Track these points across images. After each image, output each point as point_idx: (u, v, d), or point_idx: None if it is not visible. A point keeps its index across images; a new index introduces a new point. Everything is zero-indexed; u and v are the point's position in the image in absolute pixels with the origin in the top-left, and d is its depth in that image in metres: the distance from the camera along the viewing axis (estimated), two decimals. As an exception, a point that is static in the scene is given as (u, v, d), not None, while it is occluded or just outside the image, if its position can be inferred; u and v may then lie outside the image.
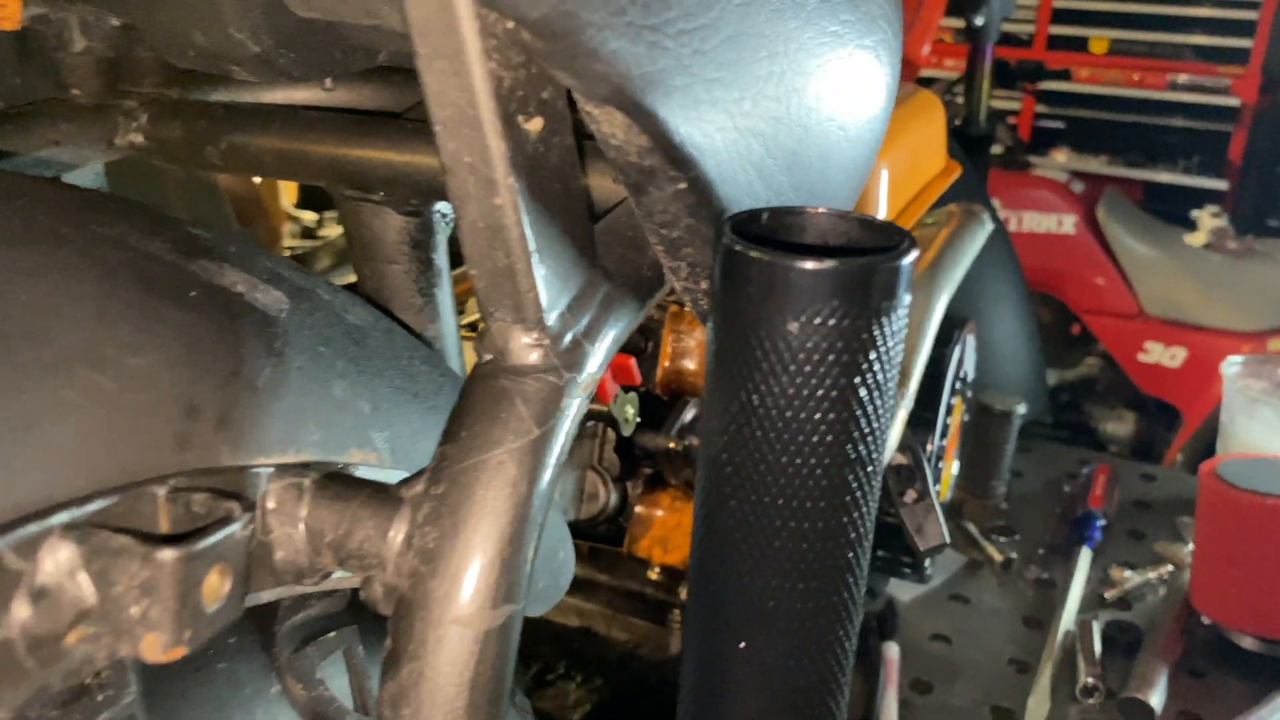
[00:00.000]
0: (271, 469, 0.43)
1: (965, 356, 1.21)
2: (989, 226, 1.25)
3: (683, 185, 0.41)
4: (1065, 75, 3.76)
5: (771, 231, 0.39)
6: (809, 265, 0.35)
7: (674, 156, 0.40)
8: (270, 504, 0.43)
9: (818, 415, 0.37)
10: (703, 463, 0.40)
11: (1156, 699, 1.23)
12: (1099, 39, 3.90)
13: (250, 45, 0.49)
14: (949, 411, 1.15)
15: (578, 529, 1.11)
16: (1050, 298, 3.22)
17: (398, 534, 0.43)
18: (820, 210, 0.39)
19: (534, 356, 0.44)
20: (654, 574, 1.09)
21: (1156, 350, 3.12)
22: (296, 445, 0.44)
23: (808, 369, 0.36)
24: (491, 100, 0.39)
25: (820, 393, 0.37)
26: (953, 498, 1.50)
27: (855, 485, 0.39)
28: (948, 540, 1.03)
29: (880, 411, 0.38)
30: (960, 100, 3.30)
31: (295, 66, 0.51)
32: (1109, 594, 1.43)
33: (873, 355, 0.37)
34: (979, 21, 1.88)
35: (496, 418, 0.44)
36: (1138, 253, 3.12)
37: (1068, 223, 3.18)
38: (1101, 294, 3.16)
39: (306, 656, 0.57)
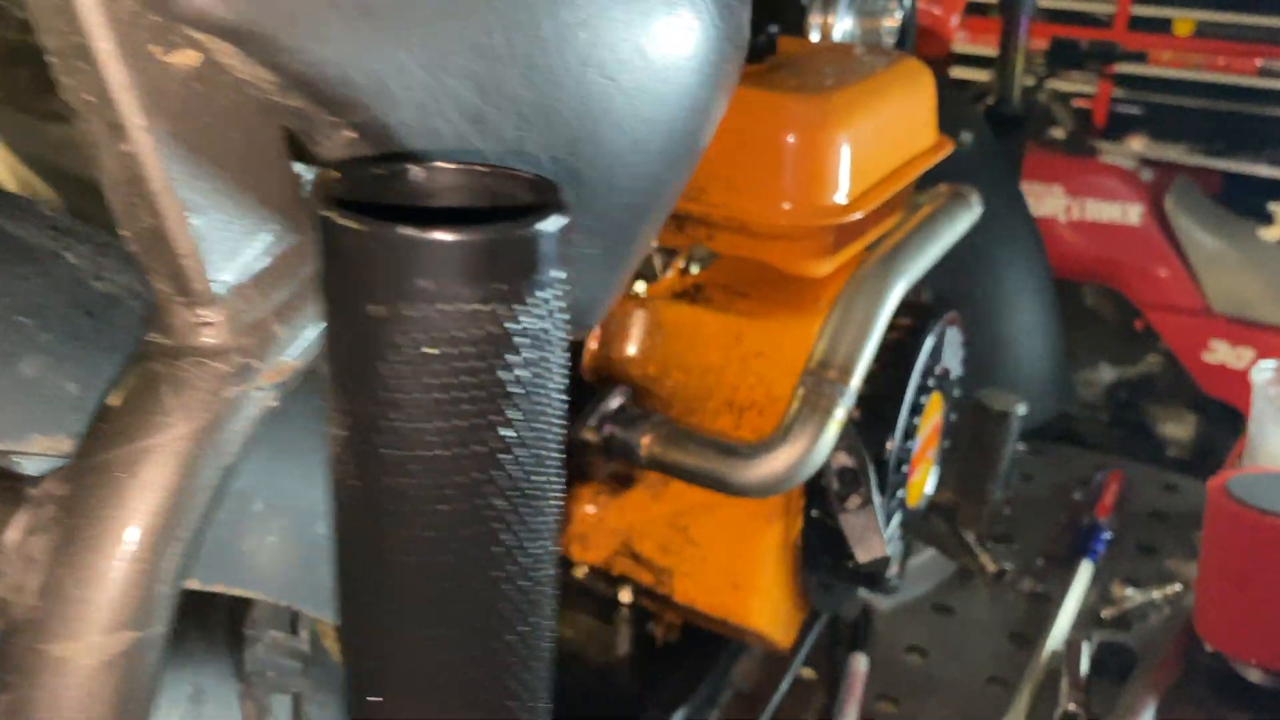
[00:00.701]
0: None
1: (944, 350, 1.11)
2: (975, 211, 1.14)
3: (351, 134, 0.34)
4: (1141, 58, 3.57)
5: (387, 188, 0.31)
6: (410, 234, 0.27)
7: (322, 97, 0.33)
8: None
9: (445, 424, 0.29)
10: (332, 485, 0.33)
11: (1141, 731, 1.13)
12: (1184, 20, 3.70)
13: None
14: (916, 411, 1.05)
15: None
16: (1111, 290, 3.07)
17: (14, 537, 0.37)
18: (454, 164, 0.31)
19: (200, 336, 0.37)
20: (580, 573, 1.02)
21: (1222, 349, 2.97)
22: None
23: (434, 367, 0.29)
24: (106, 27, 0.32)
25: (447, 398, 0.29)
26: (946, 501, 1.40)
27: (507, 509, 0.31)
28: (887, 554, 0.94)
29: (533, 417, 0.31)
30: (1029, 83, 3.15)
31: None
32: (1106, 613, 1.33)
33: (513, 347, 0.29)
34: (1011, -8, 1.76)
35: (139, 407, 0.37)
36: (1206, 246, 2.97)
37: (1133, 212, 3.02)
38: (1166, 288, 3.01)
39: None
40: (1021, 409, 1.32)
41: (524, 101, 0.37)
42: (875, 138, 1.02)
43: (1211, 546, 1.24)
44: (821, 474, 0.96)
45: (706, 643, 1.22)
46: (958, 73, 3.30)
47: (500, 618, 0.33)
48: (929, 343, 1.05)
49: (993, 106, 1.98)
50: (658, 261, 1.02)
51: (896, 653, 1.28)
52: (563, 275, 0.29)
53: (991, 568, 1.40)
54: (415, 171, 0.31)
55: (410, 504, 0.30)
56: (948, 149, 1.16)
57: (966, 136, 1.68)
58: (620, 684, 1.17)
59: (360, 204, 0.28)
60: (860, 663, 1.23)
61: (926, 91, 1.13)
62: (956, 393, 1.22)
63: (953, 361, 1.16)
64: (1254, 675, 1.22)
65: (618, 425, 0.94)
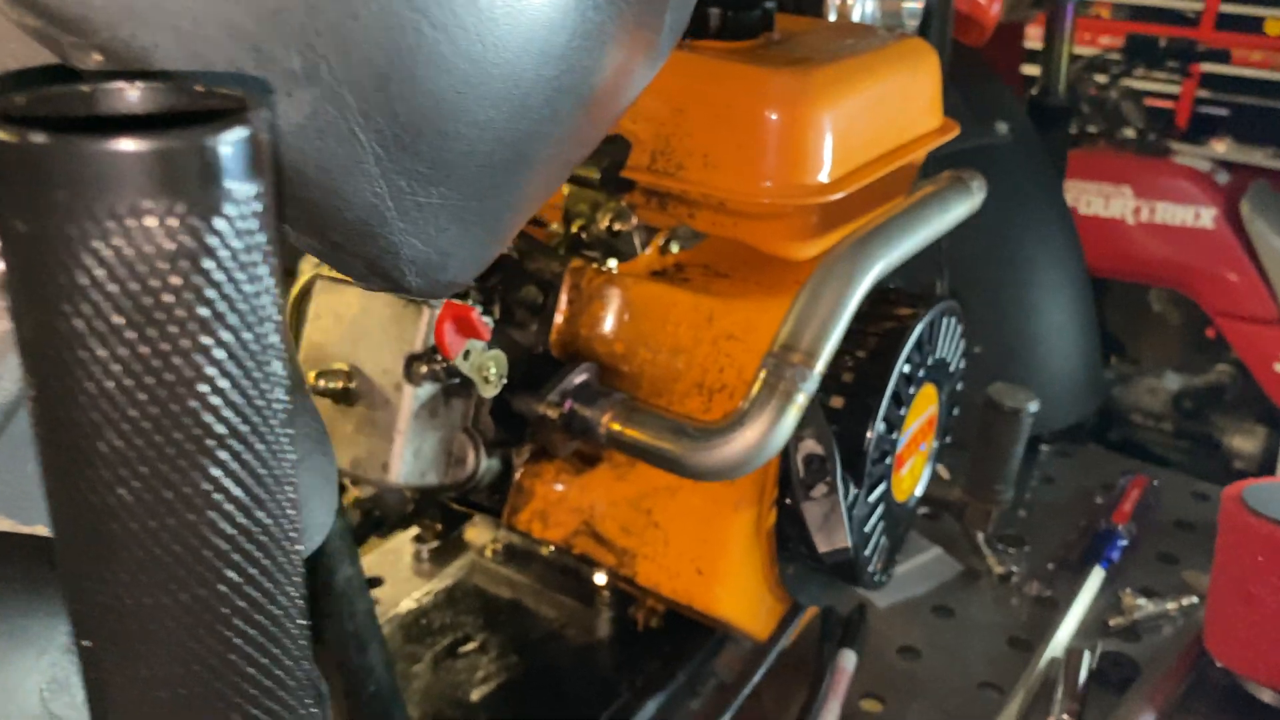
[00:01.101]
0: None
1: (938, 341, 1.08)
2: (976, 197, 1.10)
3: (96, 57, 0.33)
4: (1224, 57, 3.44)
5: (63, 105, 0.29)
6: (43, 141, 0.25)
7: (51, 14, 0.32)
8: None
9: (129, 352, 0.28)
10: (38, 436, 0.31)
11: (1133, 746, 1.08)
12: (1276, 19, 3.56)
13: None
14: (902, 402, 1.02)
15: (459, 498, 1.04)
16: (1181, 296, 2.97)
17: None
18: (129, 80, 0.29)
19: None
20: (546, 551, 1.01)
21: (1296, 361, 2.86)
22: None
23: (108, 290, 0.27)
24: None
25: (129, 321, 0.28)
26: (955, 500, 1.35)
27: (215, 448, 0.30)
28: (849, 545, 0.91)
29: (239, 348, 0.29)
30: (1101, 80, 3.06)
31: None
32: (1114, 621, 1.27)
33: (199, 269, 0.28)
34: (1056, -22, 1.69)
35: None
36: (1283, 252, 2.85)
37: (1206, 216, 2.91)
38: (1238, 295, 2.90)
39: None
40: (1033, 405, 1.27)
41: (311, 30, 0.36)
42: (863, 116, 0.99)
43: (1224, 558, 1.18)
44: (790, 460, 0.93)
45: (690, 631, 1.20)
46: (1029, 70, 3.21)
47: (212, 567, 0.31)
48: (918, 330, 1.02)
49: (1036, 98, 1.92)
50: (637, 239, 1.00)
51: (888, 652, 1.24)
52: (255, 191, 0.28)
53: (997, 570, 1.35)
54: (85, 89, 0.29)
55: (102, 444, 0.29)
56: (952, 132, 1.13)
57: (1002, 127, 1.63)
58: (599, 667, 1.16)
59: (39, 119, 0.27)
60: (847, 659, 1.19)
61: (929, 72, 1.09)
62: (956, 386, 1.18)
63: (950, 353, 1.12)
64: (1266, 696, 1.16)
65: (580, 402, 0.93)
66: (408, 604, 1.24)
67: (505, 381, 0.88)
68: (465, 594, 1.26)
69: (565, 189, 1.02)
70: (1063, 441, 1.62)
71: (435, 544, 1.32)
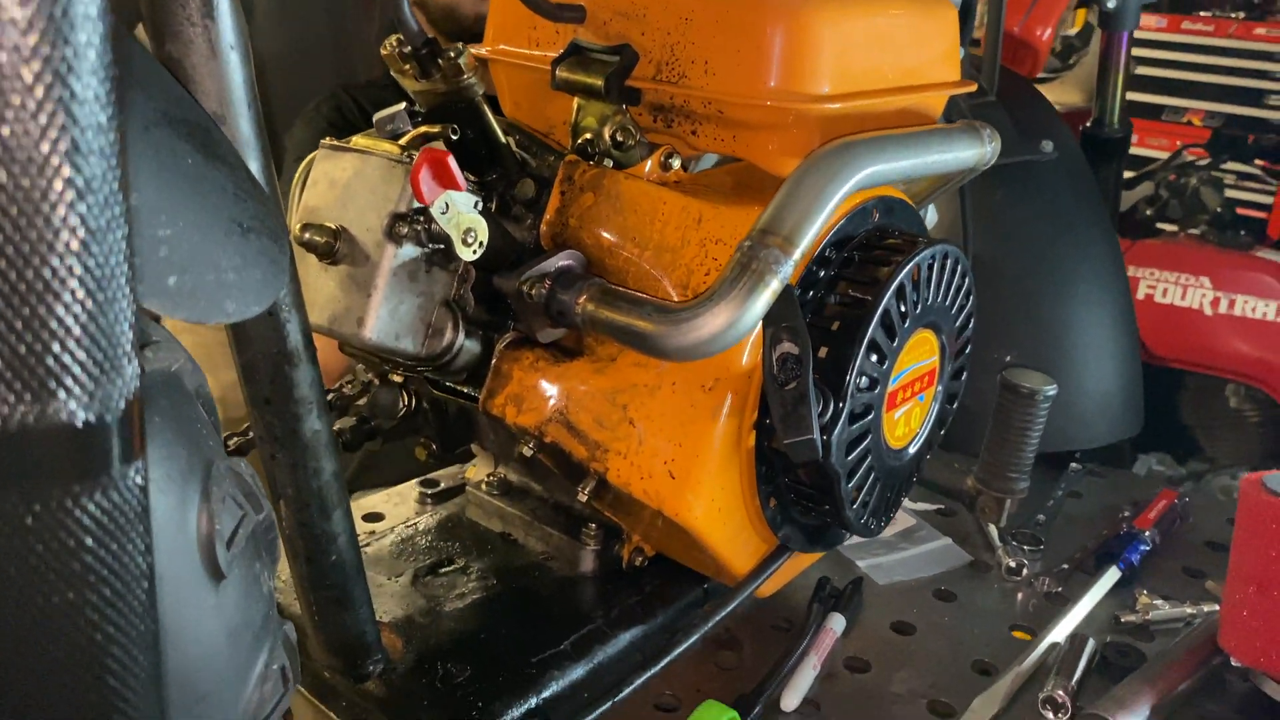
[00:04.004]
0: None
1: (936, 285, 1.06)
2: (987, 147, 1.09)
3: None
4: (1313, 156, 3.38)
5: None
6: None
7: None
8: None
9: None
10: None
11: (1127, 724, 1.02)
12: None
13: None
14: (892, 334, 1.00)
15: (438, 380, 1.05)
16: (1259, 393, 2.87)
17: None
18: None
19: None
20: (526, 450, 1.01)
21: (1373, 459, 2.73)
22: None
23: None
24: None
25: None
26: (969, 489, 1.32)
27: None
28: (816, 436, 0.88)
29: None
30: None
31: None
32: (1126, 618, 1.21)
33: None
34: (1111, 4, 1.70)
35: None
36: (1360, 350, 2.74)
37: (1289, 312, 2.83)
38: (1320, 393, 2.79)
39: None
40: (1050, 389, 1.24)
41: None
42: (868, 39, 1.01)
43: (1243, 547, 1.12)
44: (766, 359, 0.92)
45: (677, 576, 1.18)
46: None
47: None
48: (912, 266, 1.01)
49: (1089, 130, 1.91)
50: (640, 153, 1.02)
51: (881, 626, 1.20)
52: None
53: (1008, 561, 1.30)
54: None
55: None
56: (968, 87, 1.13)
57: (1048, 145, 1.63)
58: (577, 597, 1.14)
59: None
60: (835, 622, 1.16)
61: (946, 24, 1.11)
62: (962, 341, 1.16)
63: (949, 297, 1.09)
64: (1275, 690, 1.09)
65: (559, 285, 0.94)
66: (399, 530, 1.24)
67: (484, 247, 0.89)
68: (456, 523, 1.26)
69: (575, 103, 1.05)
70: (1095, 462, 1.57)
71: (437, 488, 1.32)
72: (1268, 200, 3.54)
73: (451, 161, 0.84)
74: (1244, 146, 3.30)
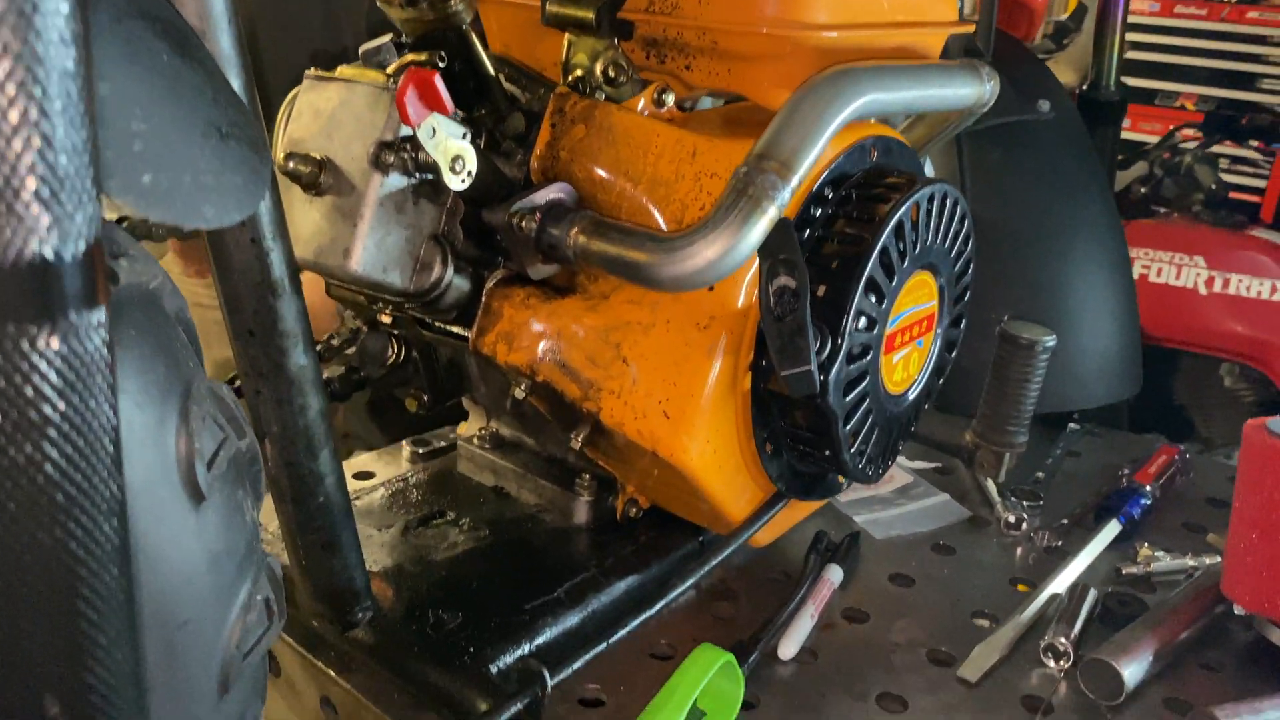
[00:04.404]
0: None
1: (934, 227, 1.04)
2: (985, 85, 1.08)
3: None
4: (1309, 136, 3.37)
5: None
6: None
7: None
8: None
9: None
10: None
11: (1130, 670, 1.00)
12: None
13: None
14: (890, 274, 0.98)
15: (426, 320, 1.03)
16: (1253, 370, 2.86)
17: None
18: None
19: None
20: (518, 391, 0.99)
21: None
22: None
23: None
24: None
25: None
26: (964, 443, 1.30)
27: None
28: (813, 368, 0.86)
29: None
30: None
31: None
32: (1128, 570, 1.19)
33: None
34: (1106, -36, 1.68)
35: None
36: (1358, 330, 2.73)
37: (1284, 290, 2.82)
38: (1316, 371, 2.78)
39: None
40: (1049, 340, 1.22)
41: None
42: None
43: (1246, 491, 1.11)
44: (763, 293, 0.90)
45: (673, 527, 1.16)
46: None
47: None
48: (911, 204, 0.99)
49: (1085, 93, 1.90)
50: (632, 89, 1.00)
51: (879, 578, 1.18)
52: None
53: (1007, 516, 1.28)
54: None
55: None
56: (967, 29, 1.12)
57: (1044, 105, 1.61)
58: (570, 547, 1.12)
59: None
60: (832, 572, 1.14)
61: (945, -35, 1.09)
62: (961, 288, 1.14)
63: (947, 239, 1.07)
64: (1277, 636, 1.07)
65: (550, 218, 0.92)
66: (390, 485, 1.22)
67: (473, 178, 0.87)
68: (447, 478, 1.24)
69: (565, 40, 1.03)
70: (1094, 423, 1.55)
71: (430, 446, 1.30)
72: (1262, 184, 3.54)
73: (438, 82, 0.82)
74: (1238, 127, 3.29)
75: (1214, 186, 2.86)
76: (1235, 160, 3.56)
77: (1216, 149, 3.11)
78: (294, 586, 1.01)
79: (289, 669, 1.04)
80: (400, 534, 1.12)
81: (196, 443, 0.66)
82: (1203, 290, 2.75)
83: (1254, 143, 3.44)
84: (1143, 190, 2.90)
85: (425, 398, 1.14)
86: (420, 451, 1.30)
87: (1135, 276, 2.51)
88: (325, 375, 1.11)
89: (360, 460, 1.31)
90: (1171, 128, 3.22)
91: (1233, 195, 3.09)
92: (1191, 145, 3.06)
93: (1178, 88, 3.75)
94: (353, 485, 1.23)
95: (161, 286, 0.70)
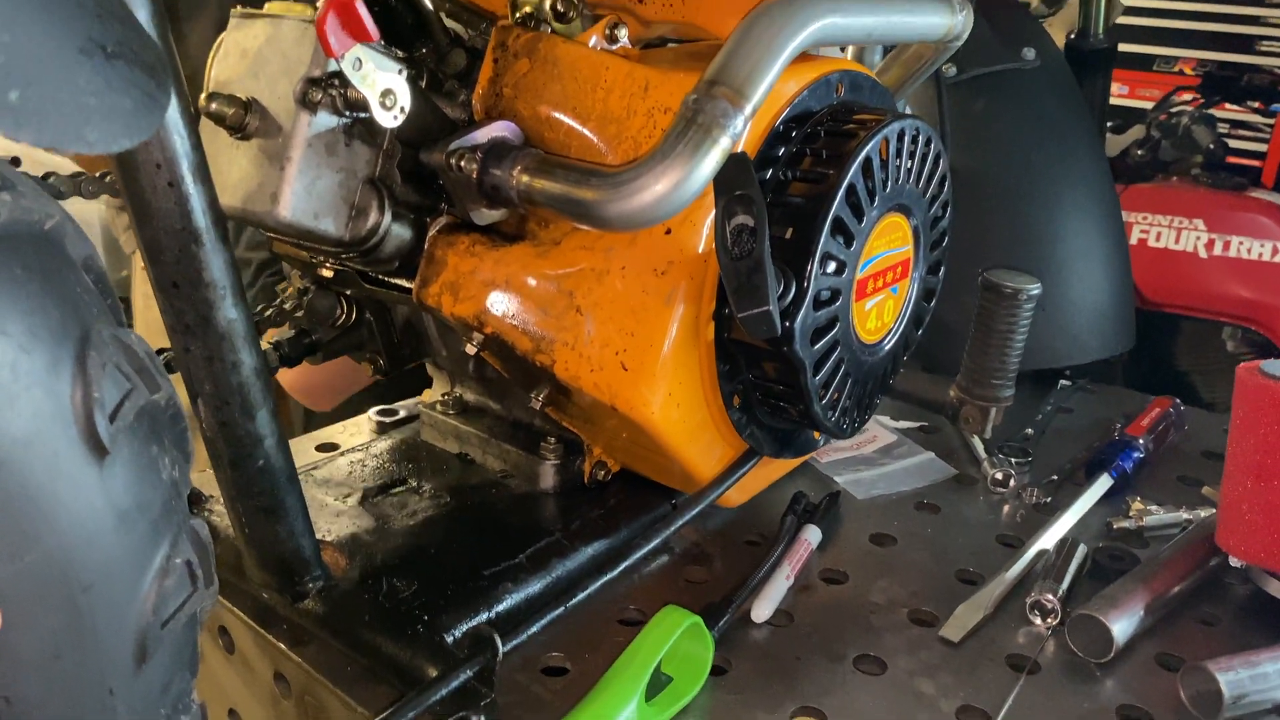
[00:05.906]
0: None
1: (908, 163, 0.99)
2: (958, 17, 1.02)
3: None
4: (1308, 94, 3.31)
5: None
6: None
7: None
8: None
9: None
10: None
11: (1120, 626, 0.95)
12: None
13: None
14: (860, 214, 0.93)
15: (367, 273, 0.98)
16: (1256, 334, 2.81)
17: None
18: None
19: None
20: (470, 347, 0.94)
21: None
22: None
23: None
24: None
25: None
26: (952, 400, 1.24)
27: None
28: (773, 308, 0.81)
29: None
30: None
31: None
32: (1120, 523, 1.14)
33: None
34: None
35: None
36: (1359, 290, 2.69)
37: (1285, 251, 2.76)
38: (1319, 334, 2.73)
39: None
40: (1034, 288, 1.17)
41: None
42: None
43: (1240, 437, 1.05)
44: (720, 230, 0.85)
45: (642, 490, 1.11)
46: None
47: None
48: (879, 139, 0.93)
49: (1073, 41, 1.84)
50: (578, 22, 0.95)
51: (860, 538, 1.13)
52: None
53: (994, 473, 1.23)
54: None
55: None
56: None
57: (1029, 52, 1.56)
58: (535, 512, 1.07)
59: None
60: (810, 533, 1.09)
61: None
62: (937, 231, 1.09)
63: (920, 179, 1.02)
64: (1274, 588, 1.02)
65: (491, 158, 0.87)
66: (351, 455, 1.17)
67: (405, 114, 0.82)
68: (411, 446, 1.19)
69: (513, -25, 0.98)
70: (1086, 379, 1.50)
71: (395, 416, 1.25)
72: (1262, 149, 3.47)
73: (360, 7, 0.77)
74: (1236, 88, 3.23)
75: (1212, 146, 2.81)
76: (1235, 125, 3.51)
77: (1216, 114, 3.06)
78: (241, 557, 0.96)
79: (242, 645, 0.99)
80: (358, 503, 1.07)
81: (96, 391, 0.62)
82: (1203, 254, 2.70)
83: (1254, 104, 3.38)
84: (1140, 154, 2.84)
85: (381, 361, 1.09)
86: (385, 421, 1.25)
87: (1134, 242, 2.46)
88: (275, 338, 1.07)
89: (324, 432, 1.27)
90: (1173, 88, 3.16)
91: (1233, 160, 3.04)
92: (1189, 108, 3.01)
93: (1175, 52, 3.69)
94: (314, 456, 1.19)
95: (60, 227, 0.65)
